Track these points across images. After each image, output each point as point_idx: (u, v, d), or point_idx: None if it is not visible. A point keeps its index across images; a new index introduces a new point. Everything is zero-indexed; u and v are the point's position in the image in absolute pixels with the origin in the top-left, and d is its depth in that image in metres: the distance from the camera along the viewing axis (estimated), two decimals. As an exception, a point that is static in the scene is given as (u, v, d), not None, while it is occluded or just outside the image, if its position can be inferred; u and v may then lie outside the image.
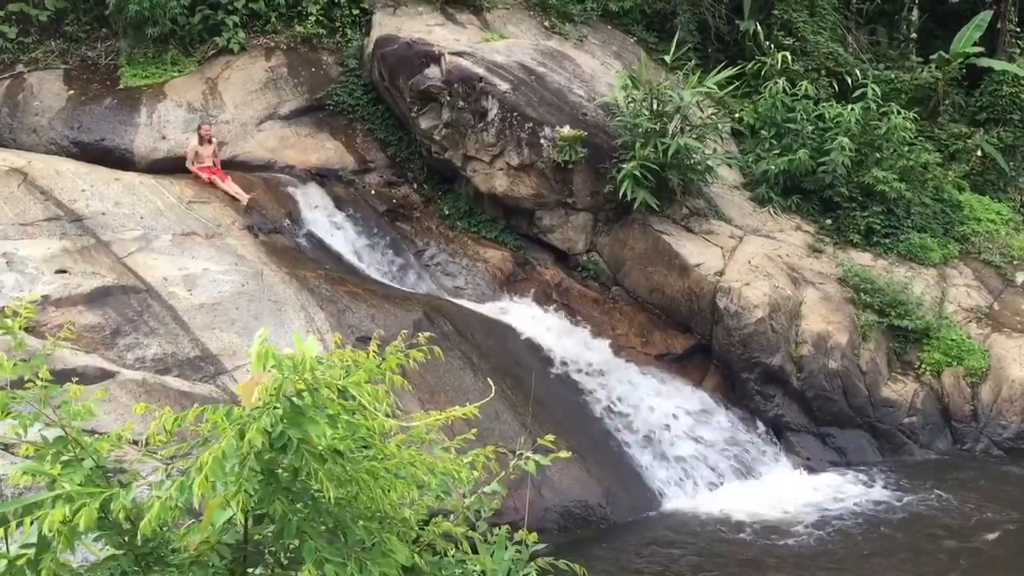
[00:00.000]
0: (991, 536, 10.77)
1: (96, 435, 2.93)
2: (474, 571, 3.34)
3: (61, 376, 3.12)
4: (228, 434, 2.47)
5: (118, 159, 13.88)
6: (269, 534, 2.77)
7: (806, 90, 15.65)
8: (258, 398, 2.58)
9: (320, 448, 2.57)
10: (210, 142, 13.57)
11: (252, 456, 2.48)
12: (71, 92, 14.65)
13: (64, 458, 2.72)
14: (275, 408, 2.52)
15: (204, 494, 2.41)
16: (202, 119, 14.28)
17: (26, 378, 2.84)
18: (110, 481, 2.71)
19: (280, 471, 2.64)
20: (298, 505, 2.70)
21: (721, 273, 13.56)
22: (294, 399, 2.56)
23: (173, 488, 2.44)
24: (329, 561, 2.53)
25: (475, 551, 3.58)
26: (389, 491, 2.83)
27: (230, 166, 13.90)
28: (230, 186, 13.25)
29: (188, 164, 13.47)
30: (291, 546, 2.78)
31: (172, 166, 13.90)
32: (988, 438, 13.32)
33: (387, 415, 2.94)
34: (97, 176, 12.65)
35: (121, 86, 14.84)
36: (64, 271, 10.71)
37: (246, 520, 2.74)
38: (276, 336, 2.82)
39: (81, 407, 2.82)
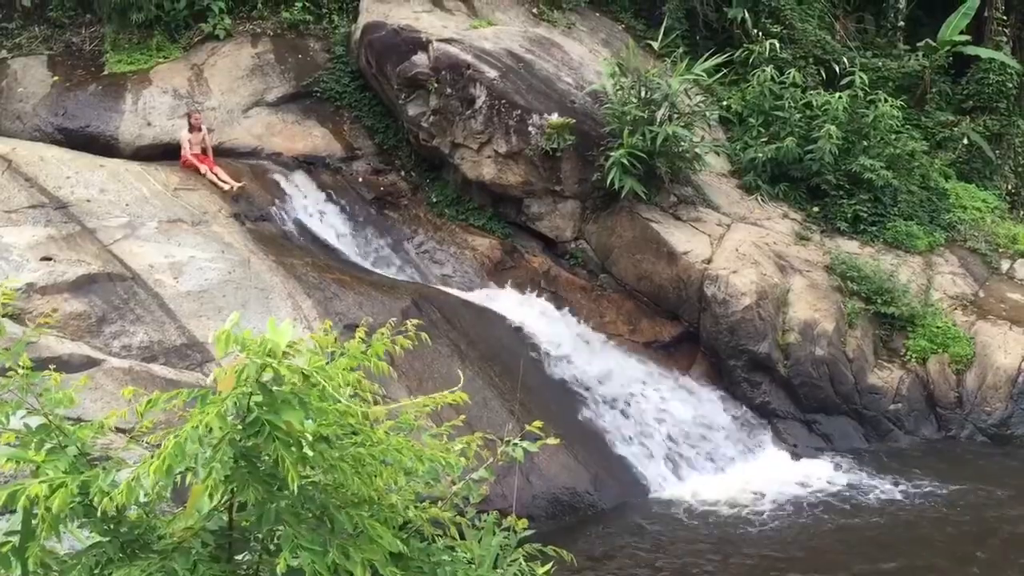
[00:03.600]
0: (976, 521, 10.86)
1: (81, 423, 2.91)
2: (462, 557, 3.34)
3: (47, 365, 3.10)
4: (194, 419, 2.46)
5: (103, 146, 13.78)
6: (253, 520, 2.76)
7: (794, 78, 15.65)
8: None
9: (302, 435, 2.56)
10: (199, 129, 13.47)
11: (225, 442, 2.47)
12: (55, 78, 14.52)
13: (48, 446, 2.70)
14: (244, 393, 2.51)
15: (159, 477, 2.40)
16: (187, 106, 14.19)
17: (8, 366, 2.82)
18: (95, 468, 2.69)
19: (266, 457, 2.63)
20: (285, 492, 2.68)
21: (709, 261, 13.58)
22: (271, 385, 2.54)
23: (140, 470, 2.42)
24: (306, 549, 2.51)
25: (463, 537, 3.58)
26: (375, 477, 2.83)
27: (217, 153, 13.80)
28: (219, 173, 13.16)
29: (186, 155, 13.31)
30: (278, 533, 2.77)
31: (158, 153, 13.81)
32: (972, 424, 13.41)
33: (370, 401, 2.93)
34: (82, 163, 12.55)
35: (106, 72, 14.73)
36: (49, 258, 10.63)
37: (230, 507, 2.73)
38: (263, 324, 2.80)
39: (62, 395, 2.80)
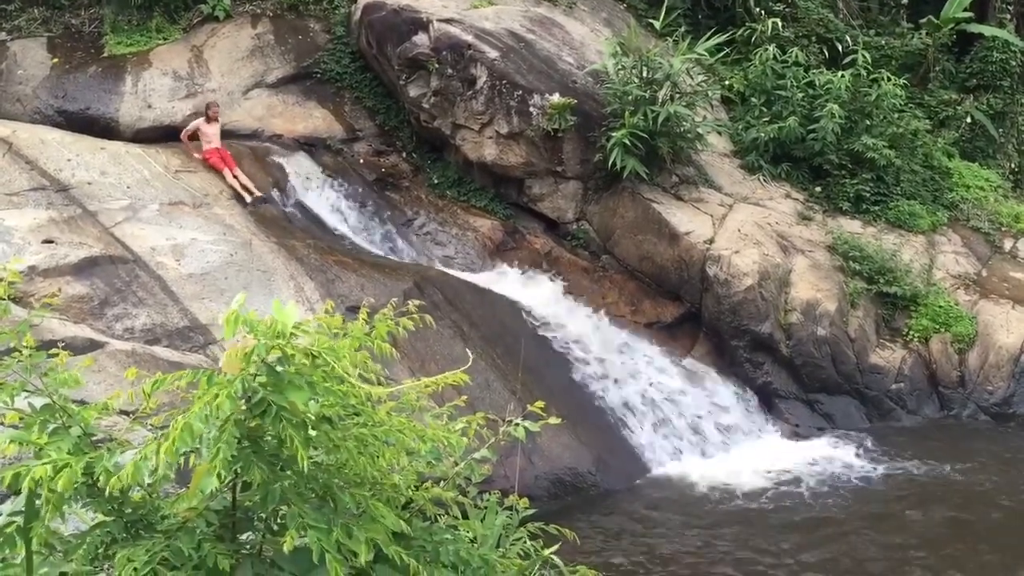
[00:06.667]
0: (978, 498, 10.89)
1: (85, 404, 2.91)
2: (465, 536, 3.35)
3: (50, 347, 3.10)
4: (202, 399, 2.46)
5: (103, 128, 13.75)
6: (257, 500, 2.78)
7: (796, 57, 15.57)
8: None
9: (306, 415, 2.56)
10: (217, 121, 13.39)
11: (231, 422, 2.48)
12: (55, 60, 14.47)
13: (52, 427, 2.71)
14: (251, 374, 2.51)
15: (169, 458, 2.41)
16: (187, 88, 14.16)
17: (12, 346, 2.82)
18: (98, 450, 2.71)
19: (269, 438, 2.64)
20: (288, 472, 2.70)
21: (711, 241, 13.56)
22: (276, 366, 2.55)
23: (147, 449, 2.43)
24: (312, 527, 2.53)
25: (466, 517, 3.60)
26: (378, 458, 2.84)
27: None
28: (240, 177, 12.93)
29: (183, 135, 13.27)
30: (282, 512, 2.79)
31: (158, 135, 13.79)
32: (975, 404, 13.43)
33: (375, 382, 2.94)
34: (83, 145, 12.54)
35: (106, 54, 14.67)
36: (51, 241, 10.65)
37: (234, 487, 2.74)
38: (265, 306, 2.80)
39: (67, 375, 2.80)
